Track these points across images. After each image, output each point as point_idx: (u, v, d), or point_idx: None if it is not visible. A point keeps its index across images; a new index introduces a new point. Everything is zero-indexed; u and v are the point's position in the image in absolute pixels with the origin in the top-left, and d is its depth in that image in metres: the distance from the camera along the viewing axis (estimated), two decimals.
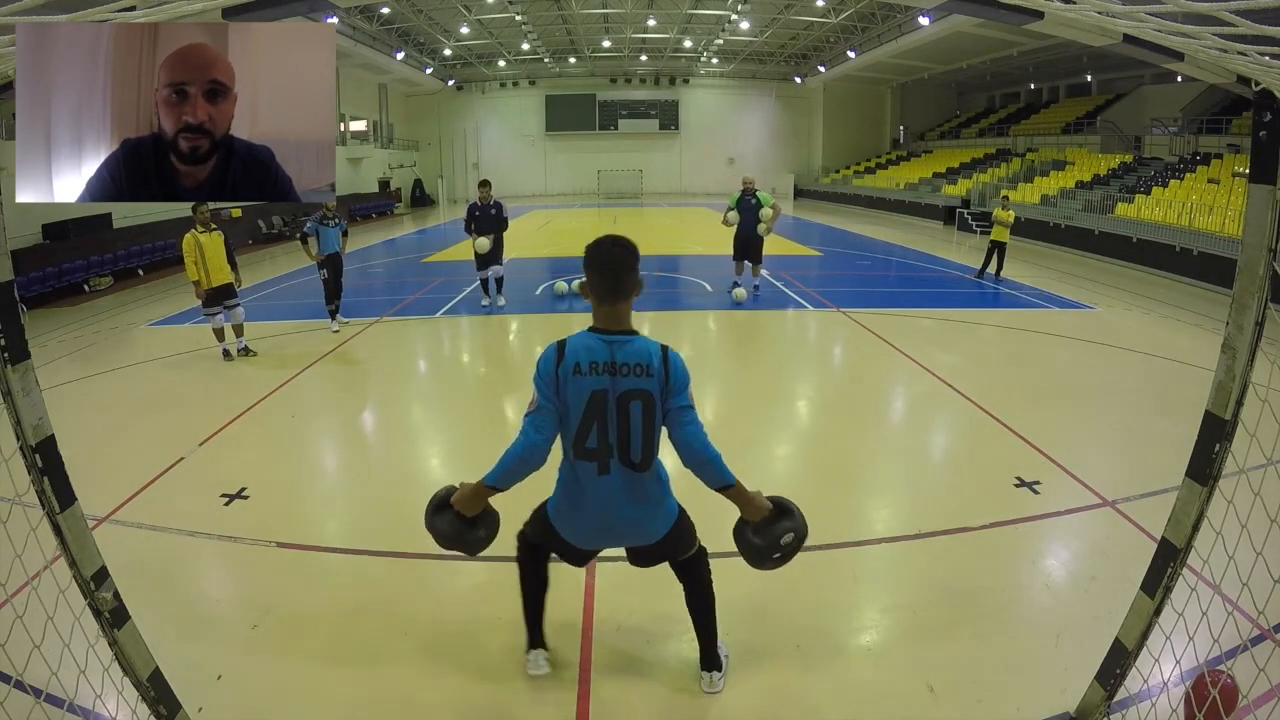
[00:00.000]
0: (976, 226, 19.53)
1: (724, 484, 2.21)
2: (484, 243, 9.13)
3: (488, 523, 2.33)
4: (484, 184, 9.35)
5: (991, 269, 11.71)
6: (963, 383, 6.21)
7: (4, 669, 2.30)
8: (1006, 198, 13.76)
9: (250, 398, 6.11)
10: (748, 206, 9.65)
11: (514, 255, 9.80)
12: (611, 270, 2.20)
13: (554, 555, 2.57)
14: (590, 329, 2.25)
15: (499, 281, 9.67)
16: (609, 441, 2.19)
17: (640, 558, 2.49)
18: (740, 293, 9.92)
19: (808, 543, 3.51)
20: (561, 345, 2.22)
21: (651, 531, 2.37)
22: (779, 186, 35.08)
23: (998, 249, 11.57)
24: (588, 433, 2.18)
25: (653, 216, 26.17)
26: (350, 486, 4.65)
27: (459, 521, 2.28)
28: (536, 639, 2.73)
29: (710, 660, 2.66)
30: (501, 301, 9.71)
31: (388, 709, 2.60)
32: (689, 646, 2.94)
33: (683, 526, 2.46)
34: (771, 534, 2.28)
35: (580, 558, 2.52)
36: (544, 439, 2.17)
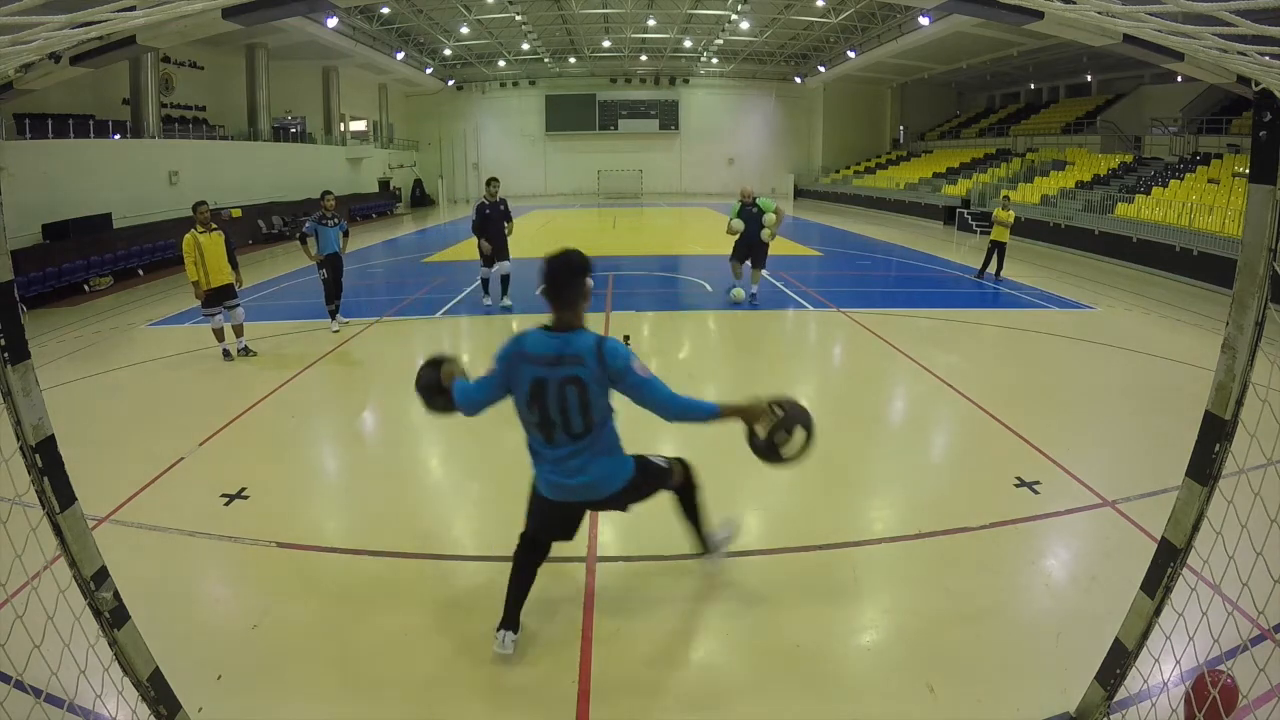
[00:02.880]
0: (976, 226, 19.53)
1: (711, 416, 2.57)
2: (487, 244, 9.21)
3: (449, 399, 2.79)
4: (492, 181, 9.40)
5: (991, 269, 11.71)
6: (963, 383, 6.21)
7: (4, 669, 2.31)
8: (1007, 198, 13.77)
9: (250, 398, 6.11)
10: (750, 216, 9.61)
11: (514, 255, 9.79)
12: (554, 284, 2.56)
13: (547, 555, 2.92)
14: (543, 326, 2.62)
15: (505, 280, 9.65)
16: (551, 418, 2.57)
17: (608, 505, 2.84)
18: (738, 293, 9.88)
19: (807, 542, 3.52)
20: (522, 334, 2.61)
21: (603, 488, 2.71)
22: (779, 186, 35.10)
23: (998, 249, 11.56)
24: (532, 410, 2.58)
25: (653, 216, 26.18)
26: (350, 486, 4.65)
27: (434, 385, 2.83)
28: (510, 622, 2.87)
29: (704, 546, 3.16)
30: (507, 302, 9.68)
31: (387, 709, 2.60)
32: (688, 646, 2.95)
33: (642, 476, 2.82)
34: (775, 433, 2.58)
35: (566, 524, 2.85)
36: (481, 399, 2.69)
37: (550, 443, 2.62)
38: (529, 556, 2.90)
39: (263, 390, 6.32)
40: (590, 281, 2.60)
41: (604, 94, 36.47)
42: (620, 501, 2.82)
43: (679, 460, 3.07)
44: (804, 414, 2.58)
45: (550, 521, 2.84)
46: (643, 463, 2.84)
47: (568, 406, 2.54)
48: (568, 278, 2.55)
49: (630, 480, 2.76)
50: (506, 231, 9.42)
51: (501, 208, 9.31)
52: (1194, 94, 19.90)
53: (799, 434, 2.56)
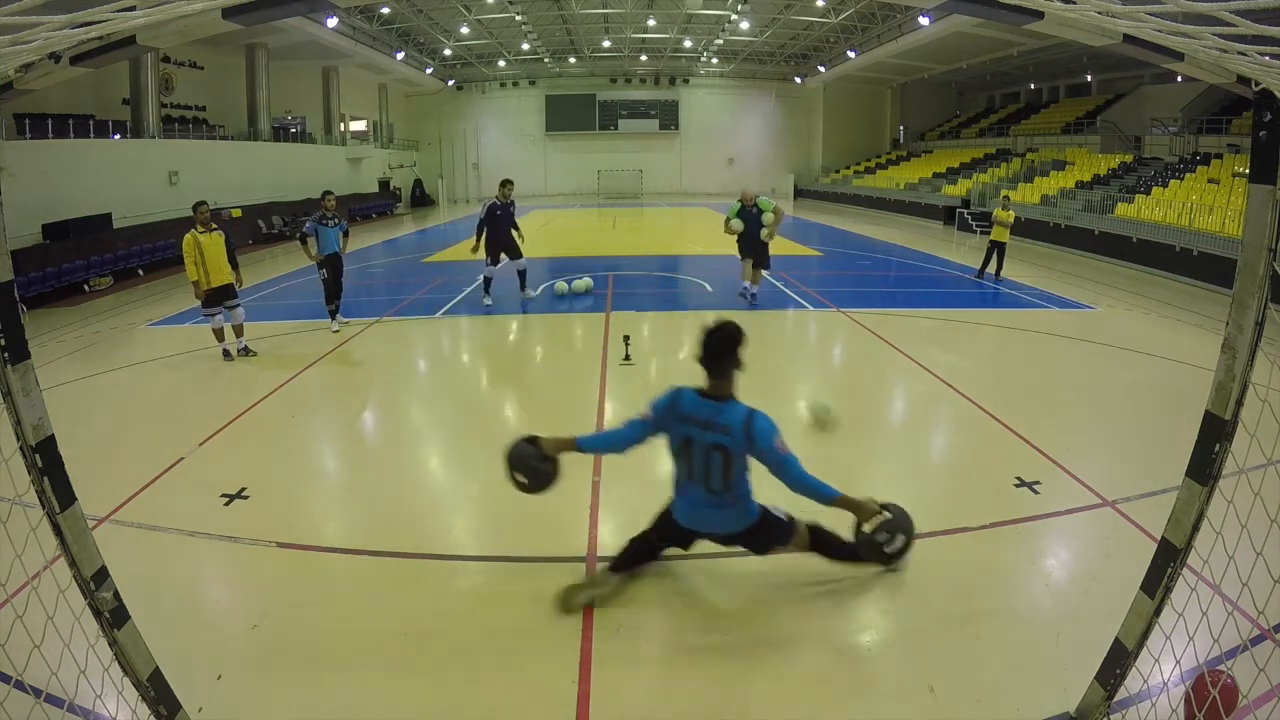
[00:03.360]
0: (976, 226, 19.52)
1: (829, 500, 2.87)
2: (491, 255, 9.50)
3: (555, 466, 3.04)
4: (506, 183, 9.62)
5: (991, 269, 11.72)
6: (963, 383, 6.21)
7: (4, 669, 2.31)
8: (1007, 198, 13.78)
9: (250, 398, 6.11)
10: (750, 216, 9.62)
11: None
12: (711, 354, 2.83)
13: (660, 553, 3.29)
14: (699, 389, 2.91)
15: (522, 274, 9.97)
16: (694, 472, 2.93)
17: (729, 542, 3.11)
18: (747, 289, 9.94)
19: None
20: (678, 392, 2.93)
21: (726, 526, 3.02)
22: (779, 186, 35.09)
23: (997, 249, 11.56)
24: (680, 461, 2.97)
25: (653, 216, 26.18)
26: (350, 486, 4.65)
27: (539, 454, 2.99)
28: (618, 569, 3.20)
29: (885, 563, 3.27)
30: (531, 294, 10.02)
31: (387, 709, 2.60)
32: (688, 646, 2.95)
33: (764, 527, 3.05)
34: (879, 534, 2.90)
35: (685, 542, 3.17)
36: (633, 437, 2.98)
37: (689, 479, 2.96)
38: (643, 548, 3.22)
39: (263, 390, 6.32)
40: (743, 351, 2.86)
41: (604, 94, 36.46)
42: (741, 541, 3.09)
43: (803, 525, 3.20)
44: (908, 522, 2.95)
45: (672, 536, 3.17)
46: (766, 516, 3.07)
47: (711, 468, 2.87)
48: (725, 349, 2.81)
49: (751, 527, 3.03)
50: (519, 239, 9.69)
51: (511, 209, 9.56)
52: (1194, 94, 19.90)
53: (899, 539, 2.92)
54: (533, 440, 3.02)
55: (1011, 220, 11.56)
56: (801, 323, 9.08)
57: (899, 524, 2.94)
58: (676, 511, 3.09)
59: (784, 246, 15.99)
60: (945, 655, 2.82)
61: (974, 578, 3.36)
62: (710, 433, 2.83)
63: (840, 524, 3.22)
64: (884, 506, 2.97)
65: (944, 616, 3.07)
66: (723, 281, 10.91)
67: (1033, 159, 23.39)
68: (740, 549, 3.17)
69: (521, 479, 3.02)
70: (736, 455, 2.84)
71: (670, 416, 2.89)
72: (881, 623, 3.08)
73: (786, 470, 2.83)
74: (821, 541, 3.21)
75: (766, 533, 3.09)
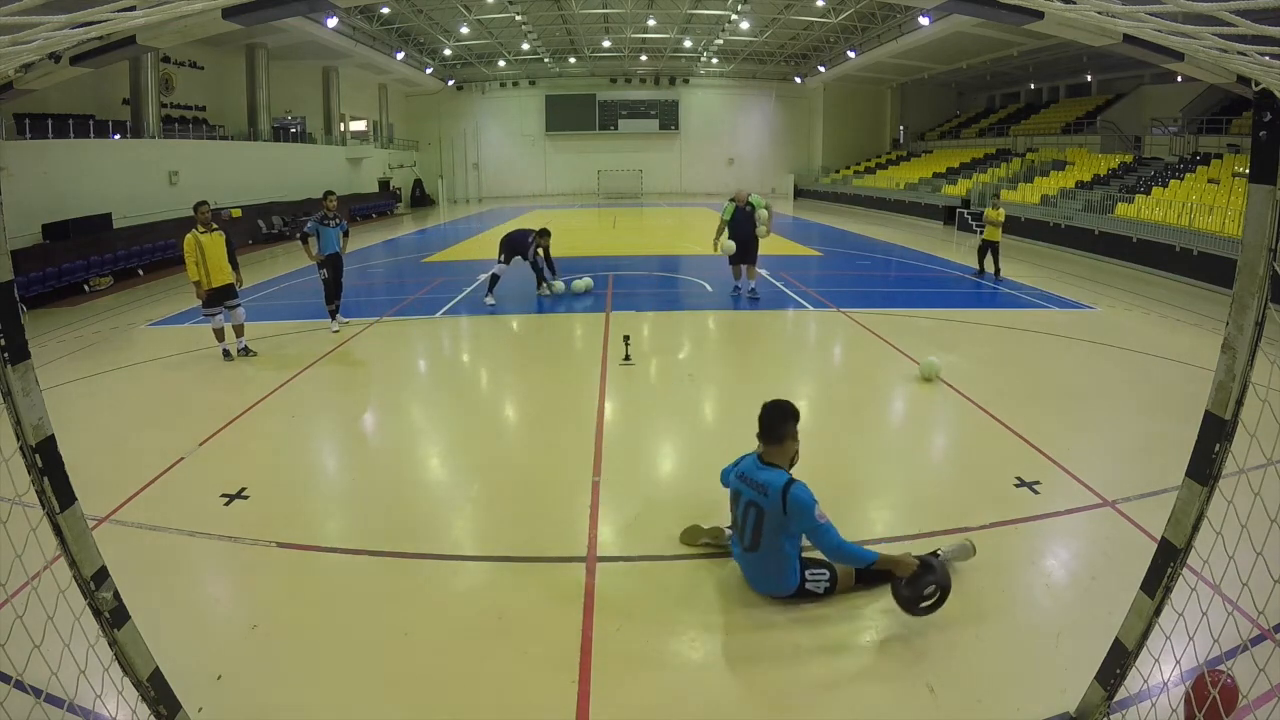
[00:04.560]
0: (976, 226, 19.51)
1: (868, 564, 3.03)
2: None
3: (935, 575, 3.00)
4: (544, 233, 9.97)
5: (990, 268, 11.78)
6: (963, 383, 6.21)
7: (4, 669, 2.31)
8: (997, 196, 13.93)
9: (250, 398, 6.11)
10: (744, 216, 9.70)
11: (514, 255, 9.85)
12: (767, 425, 3.19)
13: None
14: (758, 453, 3.24)
15: (549, 263, 10.28)
16: (736, 523, 3.24)
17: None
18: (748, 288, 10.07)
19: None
20: (744, 457, 3.31)
21: (761, 586, 3.22)
22: (779, 186, 35.11)
23: (990, 248, 11.72)
24: (731, 509, 3.29)
25: (653, 216, 26.17)
26: (350, 486, 4.65)
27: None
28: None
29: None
30: (560, 285, 10.36)
31: (387, 708, 2.60)
32: (688, 646, 2.95)
33: (799, 596, 3.16)
34: (916, 588, 2.94)
35: None
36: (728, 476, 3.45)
37: (734, 531, 3.29)
38: None
39: (263, 390, 6.32)
40: (795, 427, 3.20)
41: (604, 94, 36.46)
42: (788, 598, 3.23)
43: (843, 573, 3.24)
44: (947, 578, 2.98)
45: None
46: (803, 589, 3.16)
47: (745, 524, 3.15)
48: (780, 421, 3.17)
49: (786, 596, 3.17)
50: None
51: (537, 255, 9.99)
52: (1194, 94, 19.89)
53: (938, 594, 2.95)
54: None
55: (1002, 219, 11.69)
56: (801, 322, 9.08)
57: (941, 580, 2.95)
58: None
59: (784, 246, 16.01)
60: (945, 655, 2.82)
61: (973, 578, 3.36)
62: (751, 490, 3.12)
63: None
64: (920, 559, 3.03)
65: (944, 616, 3.06)
66: (723, 281, 10.91)
67: (1033, 159, 23.39)
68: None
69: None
70: (768, 516, 3.05)
71: (736, 472, 3.28)
72: (881, 623, 3.08)
73: (826, 537, 2.99)
74: (864, 576, 3.25)
75: (807, 598, 3.21)
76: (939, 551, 3.31)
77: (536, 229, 10.00)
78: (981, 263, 12.02)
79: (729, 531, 3.42)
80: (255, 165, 21.03)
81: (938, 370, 6.30)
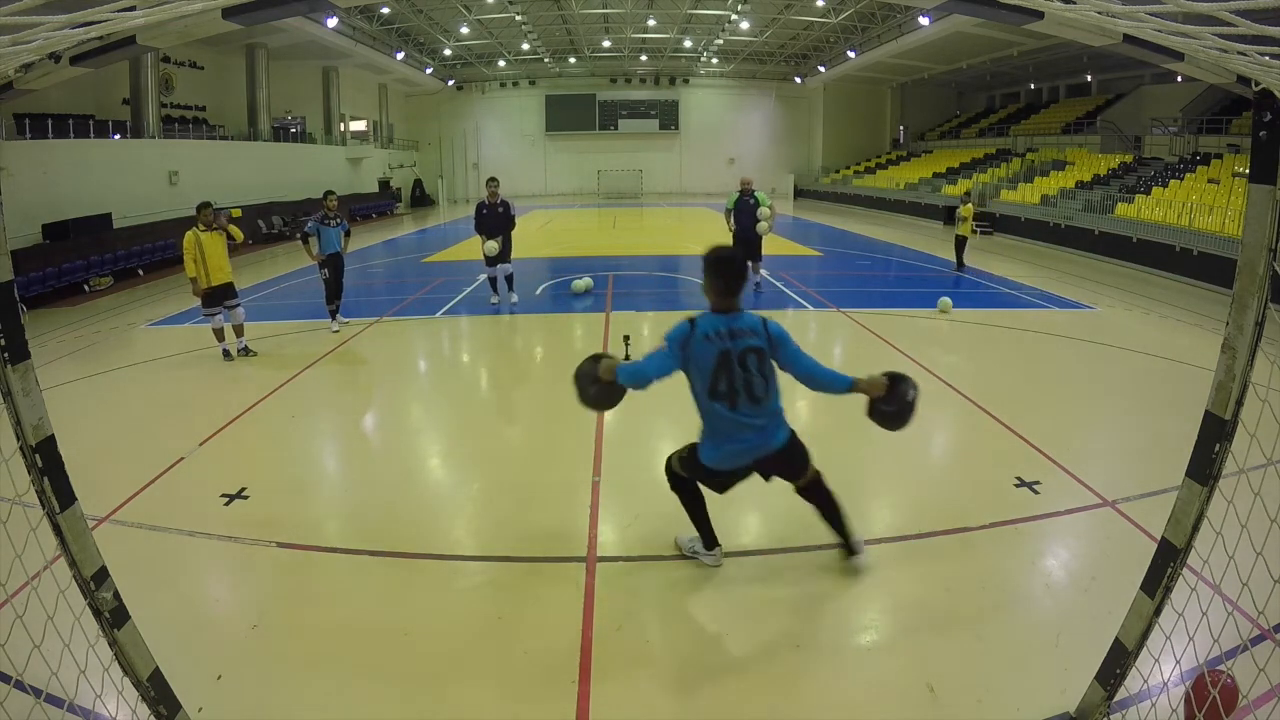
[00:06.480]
0: (976, 226, 19.52)
1: (847, 387, 3.01)
2: (492, 246, 9.17)
3: (619, 389, 3.01)
4: (492, 181, 9.41)
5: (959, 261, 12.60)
6: (963, 383, 6.21)
7: (4, 669, 2.31)
8: (967, 193, 14.57)
9: (250, 398, 6.11)
10: (746, 207, 9.81)
11: (515, 255, 9.81)
12: (726, 278, 2.99)
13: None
14: (712, 311, 3.02)
15: (509, 279, 9.66)
16: (735, 386, 2.96)
17: (769, 468, 3.17)
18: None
19: (808, 543, 3.55)
20: (693, 321, 2.98)
21: (775, 438, 3.09)
22: (779, 186, 35.08)
23: (961, 242, 12.50)
24: (718, 381, 2.96)
25: (653, 216, 26.17)
26: (350, 486, 4.65)
27: (600, 381, 2.98)
28: (710, 541, 3.41)
29: (851, 550, 3.40)
30: (514, 299, 9.70)
31: (387, 708, 2.60)
32: (688, 646, 2.95)
33: (798, 444, 3.19)
34: (899, 397, 3.00)
35: (728, 482, 3.20)
36: (662, 369, 2.94)
37: (734, 409, 2.98)
38: (682, 482, 3.32)
39: (263, 390, 6.32)
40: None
41: (604, 94, 36.46)
42: (782, 462, 3.17)
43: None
44: (911, 380, 3.04)
45: (708, 481, 3.24)
46: (794, 434, 3.20)
47: (751, 376, 2.96)
48: (740, 271, 3.02)
49: (791, 440, 3.15)
50: (506, 228, 9.34)
51: (501, 209, 9.28)
52: (1194, 94, 19.89)
53: (912, 390, 3.02)
54: (596, 359, 3.03)
55: (970, 214, 12.48)
56: (801, 322, 9.08)
57: (910, 381, 3.03)
58: (715, 462, 3.11)
59: (784, 246, 16.01)
60: (945, 655, 2.82)
61: (974, 578, 3.36)
62: (740, 339, 2.96)
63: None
64: (886, 374, 3.07)
65: (944, 616, 3.07)
66: None
67: (1033, 159, 23.38)
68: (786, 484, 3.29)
69: (590, 394, 3.02)
70: (768, 353, 2.99)
71: (695, 343, 2.94)
72: (881, 623, 3.08)
73: (809, 361, 3.03)
74: (821, 486, 3.33)
75: (801, 450, 3.21)
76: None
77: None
78: (959, 258, 12.67)
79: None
80: (255, 165, 21.03)
81: (949, 306, 8.74)
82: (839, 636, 2.99)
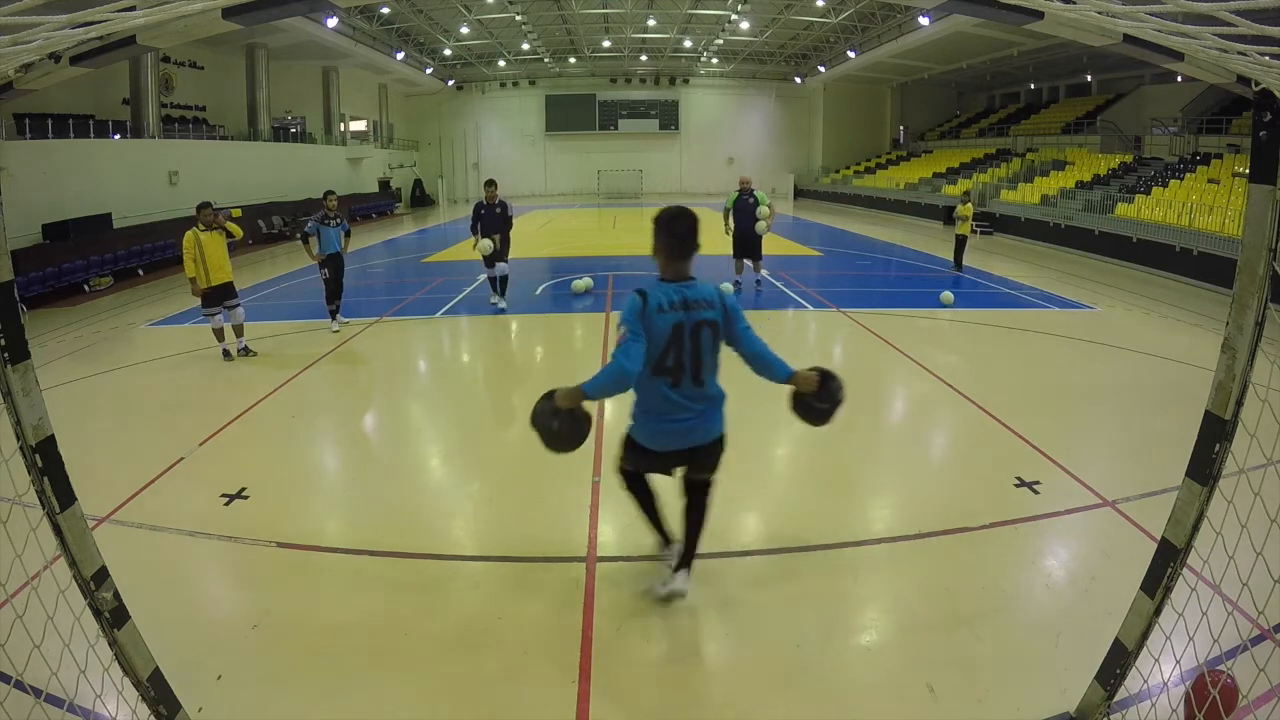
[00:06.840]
0: (976, 226, 19.51)
1: (787, 375, 2.86)
2: (486, 244, 9.15)
3: (584, 415, 2.76)
4: (490, 183, 9.41)
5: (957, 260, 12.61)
6: (963, 383, 6.21)
7: (4, 669, 2.30)
8: (966, 193, 14.63)
9: (250, 398, 6.11)
10: (745, 206, 9.83)
11: (514, 255, 9.80)
12: (680, 238, 2.79)
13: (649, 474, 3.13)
14: (661, 279, 2.83)
15: (503, 281, 9.62)
16: (682, 362, 2.78)
17: (697, 460, 2.99)
18: (726, 286, 10.00)
19: (808, 543, 3.54)
20: (644, 293, 2.76)
21: (712, 428, 2.93)
22: (779, 186, 35.07)
23: (961, 242, 12.51)
24: (666, 356, 2.76)
25: (653, 216, 26.11)
26: (350, 486, 4.65)
27: (561, 411, 2.71)
28: (665, 538, 3.28)
29: (685, 562, 3.18)
30: (503, 304, 9.61)
31: (387, 708, 2.60)
32: (688, 646, 2.95)
33: (722, 442, 3.01)
34: (830, 395, 2.88)
35: (665, 465, 3.02)
36: (635, 365, 2.64)
37: (677, 387, 2.81)
38: (633, 480, 3.16)
39: (263, 390, 6.32)
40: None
41: (604, 94, 36.45)
42: (710, 456, 3.00)
43: None
44: (838, 378, 2.92)
45: (653, 465, 3.05)
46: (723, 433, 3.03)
47: (701, 352, 2.79)
48: (691, 230, 2.81)
49: (721, 436, 3.00)
50: (503, 229, 9.33)
51: (498, 210, 9.28)
52: (1194, 94, 19.88)
53: (842, 394, 2.91)
54: (549, 396, 2.77)
55: (970, 214, 12.47)
56: (801, 322, 9.08)
57: (838, 380, 2.91)
58: (650, 440, 2.92)
59: (784, 246, 16.02)
60: (945, 655, 2.82)
61: (974, 578, 3.36)
62: (695, 311, 2.76)
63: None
64: (816, 370, 2.92)
65: (944, 616, 3.07)
66: (723, 281, 10.91)
67: (1033, 159, 23.37)
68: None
69: (555, 430, 2.75)
70: (721, 328, 2.83)
71: (650, 316, 2.71)
72: (881, 623, 3.08)
73: (755, 340, 2.88)
74: (709, 492, 3.19)
75: (723, 446, 3.04)
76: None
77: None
78: (958, 259, 12.68)
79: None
80: (255, 165, 21.03)
81: (950, 300, 9.20)
82: (839, 636, 2.99)
